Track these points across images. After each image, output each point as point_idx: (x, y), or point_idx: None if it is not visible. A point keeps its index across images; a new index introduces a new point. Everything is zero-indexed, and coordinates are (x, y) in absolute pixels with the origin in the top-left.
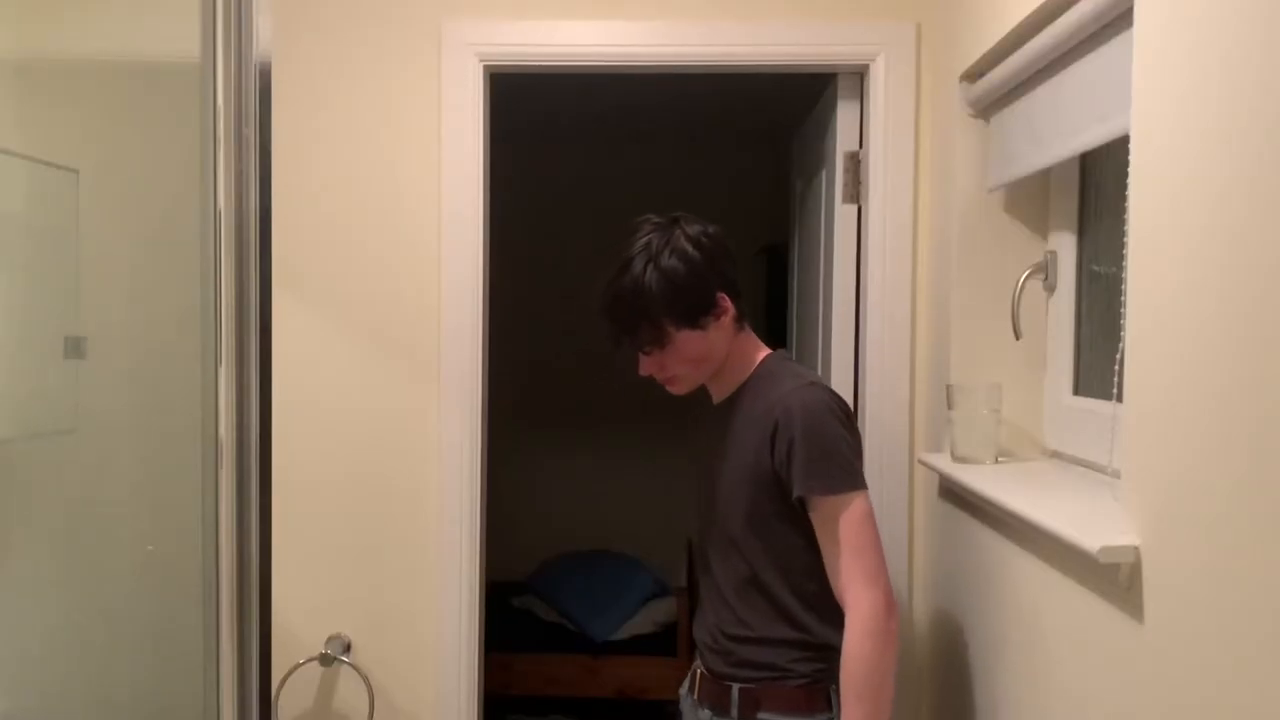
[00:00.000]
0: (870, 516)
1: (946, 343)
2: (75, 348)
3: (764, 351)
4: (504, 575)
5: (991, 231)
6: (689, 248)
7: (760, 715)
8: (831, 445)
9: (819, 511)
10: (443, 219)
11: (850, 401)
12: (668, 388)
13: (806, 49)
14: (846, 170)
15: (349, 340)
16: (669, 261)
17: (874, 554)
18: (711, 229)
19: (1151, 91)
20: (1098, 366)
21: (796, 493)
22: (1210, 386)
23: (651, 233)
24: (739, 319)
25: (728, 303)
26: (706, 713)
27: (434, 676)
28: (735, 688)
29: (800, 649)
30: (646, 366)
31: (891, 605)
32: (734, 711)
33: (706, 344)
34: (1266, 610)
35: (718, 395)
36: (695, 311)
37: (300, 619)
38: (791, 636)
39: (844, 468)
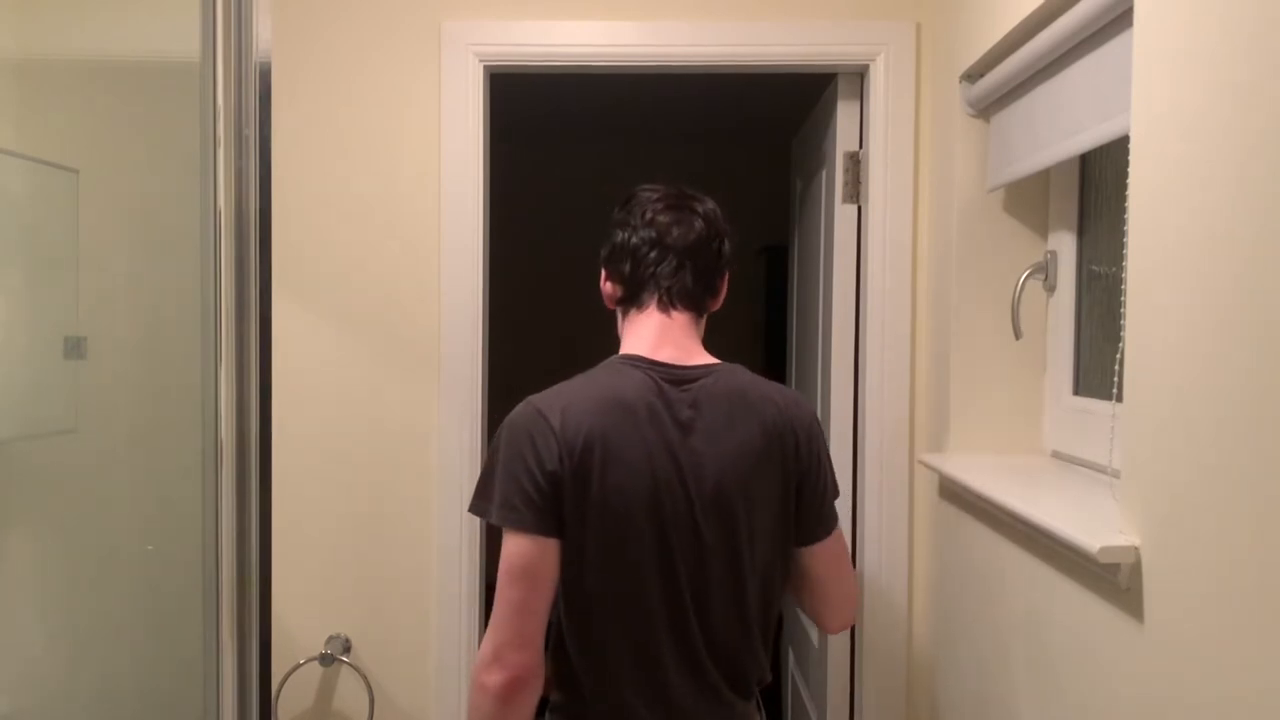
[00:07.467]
0: (509, 562)
1: (946, 343)
2: (75, 348)
3: (621, 351)
4: None
5: (991, 231)
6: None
7: None
8: (484, 467)
9: None
10: (443, 219)
11: (850, 401)
12: None
13: (806, 49)
14: (846, 170)
15: (349, 340)
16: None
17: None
18: (644, 215)
19: (1151, 91)
20: (1098, 366)
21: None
22: (1210, 386)
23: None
24: (620, 302)
25: (604, 281)
26: None
27: (434, 675)
28: None
29: None
30: None
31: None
32: None
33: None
34: (1267, 610)
35: None
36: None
37: (300, 619)
38: None
39: (481, 494)
